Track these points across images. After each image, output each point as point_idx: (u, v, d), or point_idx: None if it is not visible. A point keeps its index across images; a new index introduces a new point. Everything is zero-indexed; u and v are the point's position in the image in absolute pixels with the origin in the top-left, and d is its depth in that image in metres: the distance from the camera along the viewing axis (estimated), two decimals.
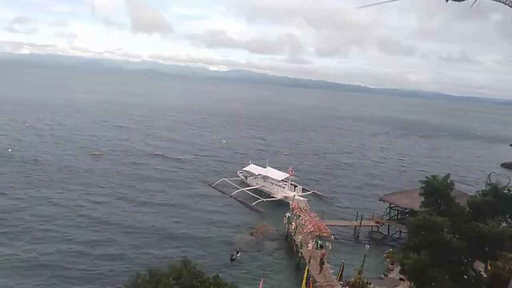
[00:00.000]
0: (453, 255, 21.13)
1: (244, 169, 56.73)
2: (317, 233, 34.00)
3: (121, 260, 30.62)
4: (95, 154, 64.31)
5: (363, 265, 29.38)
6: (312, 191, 53.50)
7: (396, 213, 42.27)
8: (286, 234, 37.97)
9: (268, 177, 51.89)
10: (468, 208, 24.03)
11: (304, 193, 50.02)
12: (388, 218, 42.00)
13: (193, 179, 55.92)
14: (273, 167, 54.43)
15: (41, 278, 26.99)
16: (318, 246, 32.67)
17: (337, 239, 37.35)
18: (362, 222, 40.85)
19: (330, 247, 32.51)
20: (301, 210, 38.78)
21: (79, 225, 36.27)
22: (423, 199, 25.43)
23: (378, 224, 41.48)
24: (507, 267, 23.80)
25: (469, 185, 61.48)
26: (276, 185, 50.57)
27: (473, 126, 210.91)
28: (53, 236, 33.55)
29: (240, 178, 56.23)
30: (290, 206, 40.22)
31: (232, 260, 32.33)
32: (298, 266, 32.02)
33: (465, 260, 22.27)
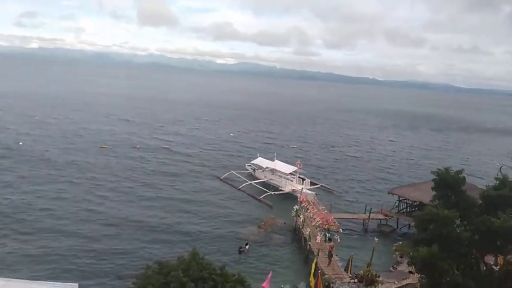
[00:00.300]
0: (463, 248, 20.86)
1: (252, 162, 56.79)
2: (325, 226, 33.95)
3: (130, 254, 30.71)
4: (103, 147, 64.87)
5: (371, 258, 29.29)
6: (321, 184, 53.35)
7: (405, 206, 42.00)
8: (294, 227, 38.00)
9: (276, 170, 51.86)
10: (480, 202, 23.66)
11: (312, 186, 49.92)
12: (397, 211, 41.75)
13: (201, 172, 56.14)
14: (280, 160, 54.36)
15: (50, 272, 27.10)
16: (327, 239, 32.65)
17: (346, 232, 37.25)
18: (370, 215, 40.71)
19: (338, 240, 32.48)
20: (309, 203, 38.73)
21: (87, 220, 36.39)
22: (433, 192, 25.11)
23: (386, 217, 41.28)
24: None
25: (480, 177, 60.74)
26: (284, 178, 50.53)
27: (483, 118, 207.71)
28: (61, 230, 33.72)
29: (248, 171, 56.30)
30: (298, 199, 40.19)
31: (240, 252, 32.49)
32: (307, 258, 32.06)
33: (477, 254, 21.99)
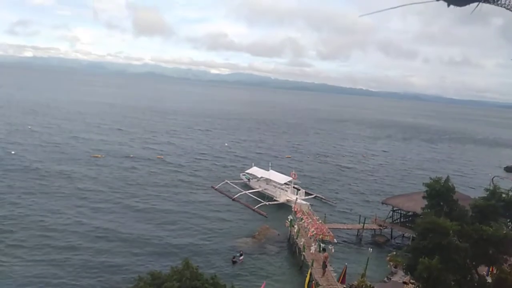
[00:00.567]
0: (461, 259, 20.96)
1: (247, 171, 56.78)
2: (319, 236, 33.86)
3: (121, 267, 29.89)
4: (96, 157, 64.40)
5: (366, 268, 29.22)
6: (315, 194, 53.37)
7: (399, 216, 42.09)
8: (288, 237, 37.83)
9: (270, 180, 51.82)
10: (471, 212, 23.92)
11: (307, 197, 49.91)
12: (391, 221, 41.82)
13: (195, 182, 55.84)
14: (275, 170, 54.36)
15: (39, 285, 26.33)
16: (321, 249, 32.53)
17: (340, 242, 37.18)
18: (365, 225, 40.69)
19: (333, 250, 32.36)
20: (303, 213, 38.67)
21: (78, 232, 35.41)
22: (426, 202, 25.33)
23: (381, 227, 41.30)
24: None
25: (472, 188, 61.27)
26: (279, 188, 50.48)
27: (474, 129, 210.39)
28: (51, 242, 32.69)
29: (243, 181, 56.18)
30: (293, 209, 40.12)
31: (234, 262, 32.22)
32: (301, 269, 31.88)
33: (470, 264, 22.09)
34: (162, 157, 69.37)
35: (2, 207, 39.30)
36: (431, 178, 24.98)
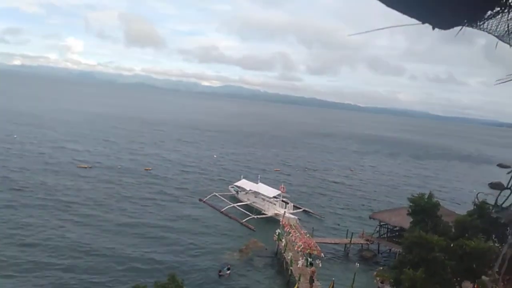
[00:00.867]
0: (446, 274, 21.23)
1: (236, 184, 56.58)
2: (307, 251, 33.81)
3: (105, 284, 28.60)
4: (82, 167, 63.46)
5: (353, 283, 29.23)
6: (303, 208, 53.42)
7: (386, 230, 42.36)
8: (276, 251, 37.66)
9: (259, 193, 51.75)
10: (453, 228, 24.35)
11: (295, 210, 49.92)
12: (378, 236, 42.05)
13: (183, 195, 55.38)
14: (264, 183, 54.35)
15: None
16: (308, 263, 32.45)
17: (328, 257, 37.14)
18: (352, 239, 40.81)
19: (320, 265, 32.31)
20: (291, 227, 38.61)
21: (59, 247, 33.54)
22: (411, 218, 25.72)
23: (368, 242, 41.47)
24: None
25: (457, 203, 62.19)
26: (268, 201, 50.41)
27: (459, 146, 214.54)
28: (30, 259, 30.83)
29: (231, 193, 55.95)
30: (281, 223, 40.05)
31: (220, 276, 31.85)
32: (288, 283, 31.69)
33: (455, 279, 22.36)
34: (150, 168, 68.64)
35: None
36: (413, 195, 25.43)
